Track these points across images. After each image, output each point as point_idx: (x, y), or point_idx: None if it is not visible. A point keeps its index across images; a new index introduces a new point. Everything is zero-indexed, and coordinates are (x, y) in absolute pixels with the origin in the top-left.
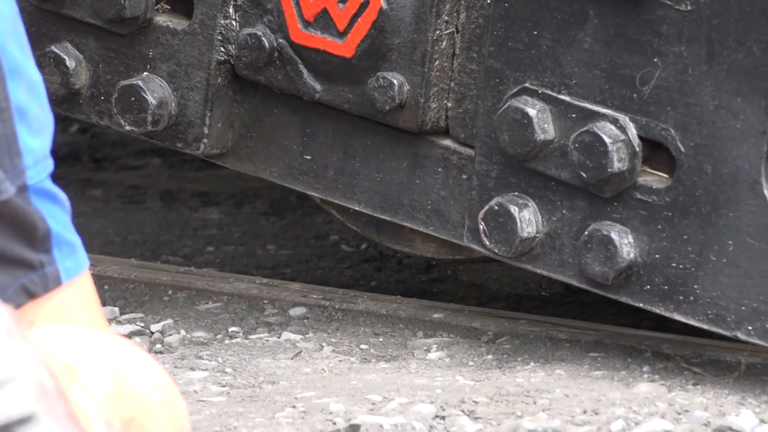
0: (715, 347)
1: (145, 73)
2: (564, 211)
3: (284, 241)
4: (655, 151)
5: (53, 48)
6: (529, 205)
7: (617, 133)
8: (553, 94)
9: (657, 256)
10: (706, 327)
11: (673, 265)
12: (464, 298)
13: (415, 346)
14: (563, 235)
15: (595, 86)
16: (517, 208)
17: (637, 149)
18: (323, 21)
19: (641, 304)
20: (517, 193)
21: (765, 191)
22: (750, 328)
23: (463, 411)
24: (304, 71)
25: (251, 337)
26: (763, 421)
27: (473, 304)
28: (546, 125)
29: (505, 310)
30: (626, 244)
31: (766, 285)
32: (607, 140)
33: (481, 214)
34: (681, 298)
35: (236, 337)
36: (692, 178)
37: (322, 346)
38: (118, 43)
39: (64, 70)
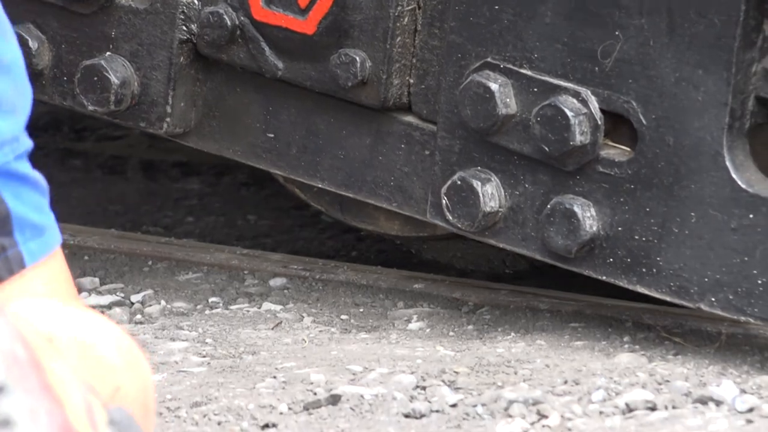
0: (695, 317)
1: (108, 53)
2: (527, 185)
3: (265, 212)
4: (617, 124)
5: (16, 29)
6: (492, 179)
7: (579, 107)
8: (515, 68)
9: (620, 228)
10: (669, 299)
11: (636, 237)
12: (444, 269)
13: (396, 316)
14: (526, 209)
15: (556, 60)
16: (479, 183)
17: (599, 122)
18: None
19: (604, 277)
20: (479, 167)
21: (727, 162)
22: (713, 299)
23: (443, 381)
24: (266, 49)
25: (232, 307)
26: (743, 391)
27: (454, 275)
28: (508, 99)
29: (485, 280)
30: (589, 217)
31: (729, 256)
32: (569, 113)
33: (443, 189)
34: (644, 270)
35: (216, 308)
36: (654, 151)
37: (303, 317)
38: (81, 23)
39: (27, 51)
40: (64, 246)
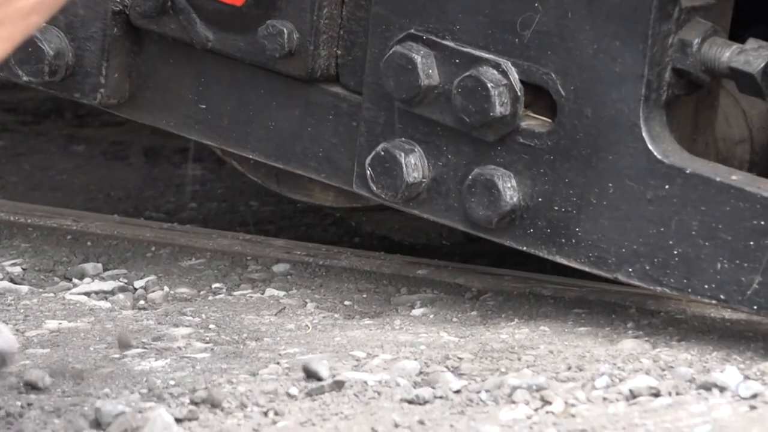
0: (699, 303)
1: (43, 24)
2: (449, 156)
3: (267, 197)
4: (538, 96)
5: None
6: (415, 150)
7: (499, 78)
8: (438, 39)
9: (540, 199)
10: (587, 269)
11: (555, 208)
12: (448, 255)
13: (399, 302)
14: (449, 180)
15: (478, 31)
16: (402, 153)
17: (519, 93)
18: None
19: (525, 248)
20: (403, 138)
21: (643, 134)
22: (630, 269)
23: (447, 367)
24: (197, 20)
25: (235, 293)
26: (747, 377)
27: (457, 261)
28: (430, 71)
29: (488, 266)
30: (509, 188)
31: (645, 227)
32: (489, 84)
33: (368, 160)
34: (563, 241)
35: (219, 294)
36: (573, 122)
37: (306, 303)
38: None
39: None
40: (67, 232)
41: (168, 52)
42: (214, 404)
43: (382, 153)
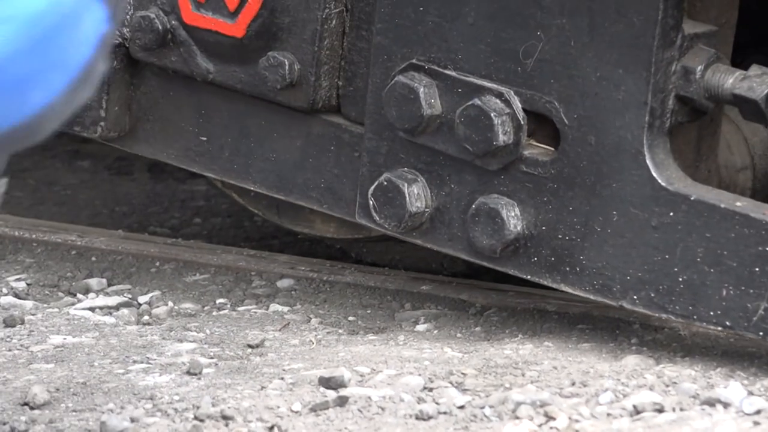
0: None
1: None
2: (452, 186)
3: None
4: (541, 124)
5: None
6: (418, 180)
7: (502, 107)
8: (440, 69)
9: (543, 227)
10: (592, 297)
11: (559, 236)
12: (452, 270)
13: (403, 318)
14: (452, 209)
15: (480, 61)
16: (405, 183)
17: (522, 122)
18: (214, 2)
19: (529, 276)
20: (406, 168)
21: (647, 161)
22: (635, 297)
23: (451, 383)
24: (197, 52)
25: (239, 308)
26: (751, 393)
27: (461, 276)
28: (433, 100)
29: (492, 282)
30: (513, 217)
31: (650, 254)
32: (492, 113)
33: (370, 190)
34: (567, 269)
35: (224, 309)
36: (576, 150)
37: (310, 318)
38: None
39: None
40: (72, 247)
41: (168, 84)
42: (218, 419)
43: (385, 183)
